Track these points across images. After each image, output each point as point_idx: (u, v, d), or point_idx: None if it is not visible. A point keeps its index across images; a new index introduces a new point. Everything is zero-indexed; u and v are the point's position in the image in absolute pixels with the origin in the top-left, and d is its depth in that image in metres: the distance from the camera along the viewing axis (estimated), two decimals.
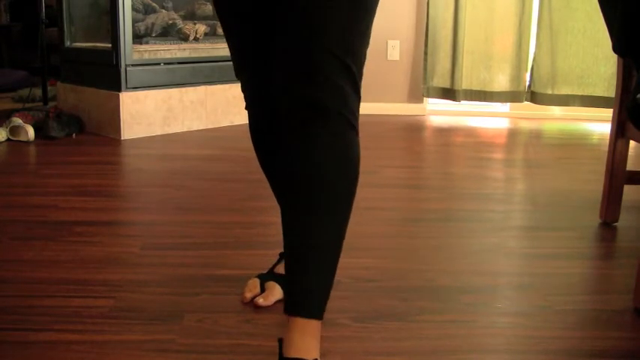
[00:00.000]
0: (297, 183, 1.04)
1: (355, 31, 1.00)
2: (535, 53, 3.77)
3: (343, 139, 1.03)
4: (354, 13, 0.99)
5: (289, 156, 1.03)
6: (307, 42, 0.98)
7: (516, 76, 3.81)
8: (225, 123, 3.45)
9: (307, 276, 1.06)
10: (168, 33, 3.37)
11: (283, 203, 1.09)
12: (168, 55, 3.23)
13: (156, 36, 3.30)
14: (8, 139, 2.98)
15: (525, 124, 3.76)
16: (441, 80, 3.91)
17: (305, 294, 1.07)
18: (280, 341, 1.08)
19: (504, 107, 4.05)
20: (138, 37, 3.16)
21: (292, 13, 1.00)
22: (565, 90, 3.74)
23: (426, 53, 3.88)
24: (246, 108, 1.27)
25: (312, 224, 1.05)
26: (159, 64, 3.18)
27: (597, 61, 3.64)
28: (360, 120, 1.07)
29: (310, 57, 0.98)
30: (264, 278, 1.44)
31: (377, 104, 3.48)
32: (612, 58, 3.58)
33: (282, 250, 1.71)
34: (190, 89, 3.29)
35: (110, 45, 3.04)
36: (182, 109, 3.26)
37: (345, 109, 1.01)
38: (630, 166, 1.96)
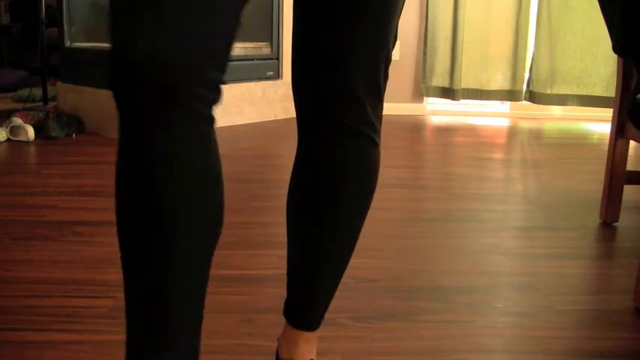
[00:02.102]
0: (322, 197, 0.98)
1: (388, 50, 0.94)
2: (534, 53, 3.78)
3: (370, 159, 0.97)
4: (391, 32, 0.93)
5: (315, 169, 0.97)
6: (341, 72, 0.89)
7: (514, 75, 3.82)
8: (225, 123, 3.45)
9: (314, 290, 1.04)
10: None
11: (299, 216, 1.02)
12: None
13: None
14: (8, 139, 2.98)
15: (525, 124, 3.76)
16: (440, 79, 3.91)
17: (308, 308, 1.05)
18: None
19: (504, 107, 4.05)
20: None
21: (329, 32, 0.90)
22: (564, 90, 3.74)
23: (425, 53, 3.88)
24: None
25: (330, 239, 1.00)
26: None
27: (596, 60, 3.64)
28: None
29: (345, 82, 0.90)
30: None
31: None
32: (612, 58, 3.58)
33: (280, 251, 1.71)
34: None
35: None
36: None
37: (374, 134, 0.95)
38: (630, 166, 1.96)
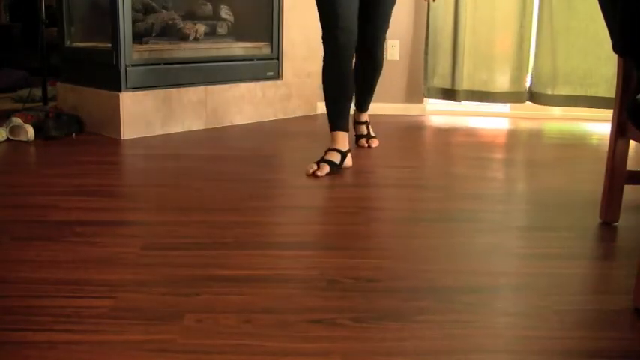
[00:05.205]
0: (364, 74, 2.84)
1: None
2: (536, 53, 3.77)
3: (381, 58, 2.83)
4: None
5: (364, 62, 2.81)
6: (380, 25, 2.73)
7: (517, 77, 3.81)
8: (225, 123, 3.45)
9: (364, 97, 3.01)
10: (169, 33, 3.37)
11: (357, 83, 2.81)
12: (168, 55, 3.23)
13: (156, 36, 3.30)
14: (8, 139, 2.98)
15: (525, 124, 3.76)
16: (441, 80, 3.90)
17: (362, 103, 3.02)
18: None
19: (504, 107, 4.04)
20: (138, 37, 3.16)
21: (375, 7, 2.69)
22: (567, 90, 3.73)
23: (426, 53, 3.87)
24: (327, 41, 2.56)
25: (372, 86, 2.91)
26: (159, 64, 3.18)
27: (599, 61, 3.63)
28: None
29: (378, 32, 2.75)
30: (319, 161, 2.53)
31: (377, 104, 3.48)
32: (614, 59, 3.56)
33: (280, 251, 1.70)
34: (190, 89, 3.29)
35: (110, 45, 3.04)
36: (182, 109, 3.26)
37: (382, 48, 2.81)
38: (630, 166, 1.96)
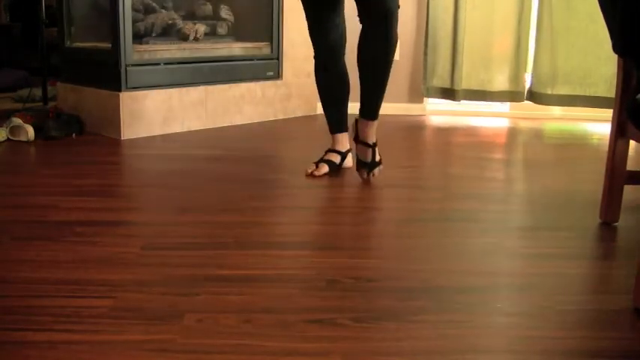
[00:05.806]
0: (374, 57, 2.25)
1: None
2: (535, 53, 3.77)
3: (390, 29, 2.24)
4: None
5: (374, 38, 2.24)
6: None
7: (516, 76, 3.81)
8: (225, 123, 3.45)
9: (370, 100, 2.33)
10: (168, 33, 3.37)
11: (363, 70, 2.28)
12: (168, 55, 3.23)
13: (156, 36, 3.30)
14: (8, 139, 2.98)
15: (525, 124, 3.76)
16: (440, 80, 3.90)
17: (368, 107, 2.32)
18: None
19: (504, 107, 4.04)
20: (138, 37, 3.16)
21: None
22: (566, 90, 3.73)
23: (425, 53, 3.87)
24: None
25: (382, 75, 2.27)
26: (159, 64, 3.18)
27: (599, 61, 3.63)
28: None
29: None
30: (318, 160, 2.47)
31: None
32: (614, 59, 3.55)
33: (280, 251, 1.70)
34: (190, 89, 3.29)
35: (110, 45, 3.04)
36: (182, 109, 3.26)
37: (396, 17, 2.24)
38: (630, 166, 1.96)
